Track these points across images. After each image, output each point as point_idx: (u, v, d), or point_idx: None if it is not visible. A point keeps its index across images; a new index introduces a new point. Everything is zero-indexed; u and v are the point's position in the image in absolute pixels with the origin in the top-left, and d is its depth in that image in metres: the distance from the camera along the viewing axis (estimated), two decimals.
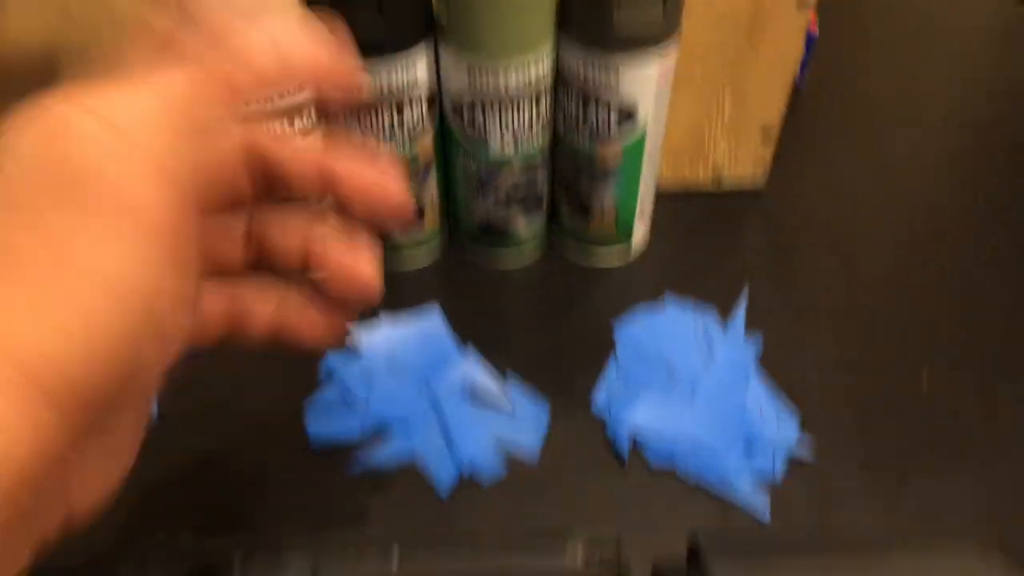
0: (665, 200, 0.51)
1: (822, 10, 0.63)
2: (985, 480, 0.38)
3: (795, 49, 0.46)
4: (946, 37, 0.68)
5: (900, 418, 0.41)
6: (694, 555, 0.26)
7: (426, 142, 0.43)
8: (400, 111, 0.41)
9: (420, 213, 0.47)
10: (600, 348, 0.43)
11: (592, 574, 0.28)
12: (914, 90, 0.63)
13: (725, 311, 0.45)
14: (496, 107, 0.41)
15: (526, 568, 0.28)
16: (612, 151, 0.43)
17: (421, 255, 0.49)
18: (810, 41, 0.59)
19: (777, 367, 0.42)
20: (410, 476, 0.38)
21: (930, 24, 0.69)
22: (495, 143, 0.43)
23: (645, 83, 0.40)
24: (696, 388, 0.40)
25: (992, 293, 0.47)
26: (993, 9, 0.71)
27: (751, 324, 0.44)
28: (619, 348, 0.43)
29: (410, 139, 0.43)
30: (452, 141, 0.44)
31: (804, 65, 0.61)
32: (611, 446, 0.39)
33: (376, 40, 0.38)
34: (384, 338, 0.43)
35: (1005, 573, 0.25)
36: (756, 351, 0.42)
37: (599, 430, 0.40)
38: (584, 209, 0.46)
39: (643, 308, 0.45)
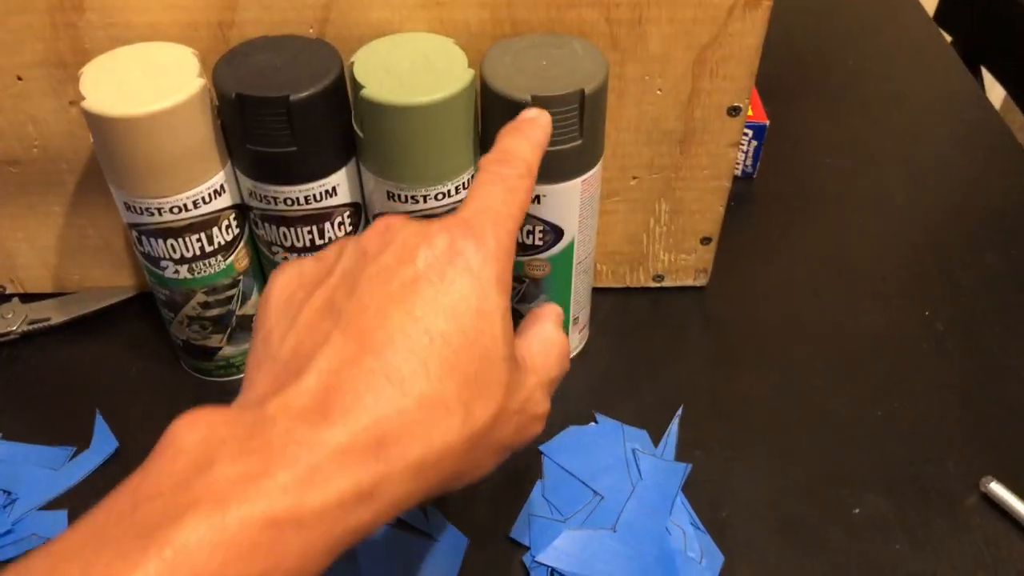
0: (606, 294, 0.51)
1: (774, 96, 0.63)
2: None
3: (729, 159, 0.45)
4: (903, 115, 0.67)
5: (829, 554, 0.39)
6: None
7: None
8: (321, 226, 0.40)
9: None
10: (526, 472, 0.42)
11: None
12: (868, 174, 0.62)
13: (659, 427, 0.44)
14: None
15: None
16: (539, 262, 0.42)
17: None
18: (761, 131, 0.59)
19: (705, 496, 0.41)
20: None
21: (886, 101, 0.69)
22: None
23: (569, 203, 0.40)
24: (620, 517, 0.39)
25: (950, 396, 0.46)
26: (953, 88, 0.71)
27: (684, 444, 0.43)
28: (546, 475, 0.41)
29: None
30: None
31: (756, 154, 0.60)
32: None
33: (294, 171, 0.38)
34: None
35: None
36: (682, 478, 0.41)
37: (519, 564, 0.39)
38: (515, 319, 0.45)
39: (573, 430, 0.44)
